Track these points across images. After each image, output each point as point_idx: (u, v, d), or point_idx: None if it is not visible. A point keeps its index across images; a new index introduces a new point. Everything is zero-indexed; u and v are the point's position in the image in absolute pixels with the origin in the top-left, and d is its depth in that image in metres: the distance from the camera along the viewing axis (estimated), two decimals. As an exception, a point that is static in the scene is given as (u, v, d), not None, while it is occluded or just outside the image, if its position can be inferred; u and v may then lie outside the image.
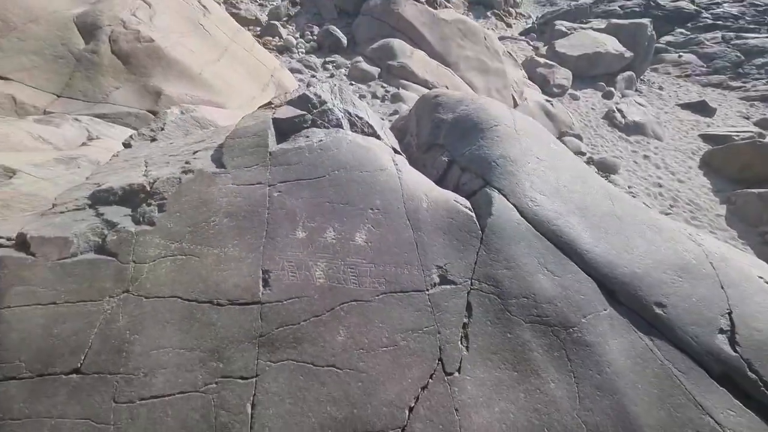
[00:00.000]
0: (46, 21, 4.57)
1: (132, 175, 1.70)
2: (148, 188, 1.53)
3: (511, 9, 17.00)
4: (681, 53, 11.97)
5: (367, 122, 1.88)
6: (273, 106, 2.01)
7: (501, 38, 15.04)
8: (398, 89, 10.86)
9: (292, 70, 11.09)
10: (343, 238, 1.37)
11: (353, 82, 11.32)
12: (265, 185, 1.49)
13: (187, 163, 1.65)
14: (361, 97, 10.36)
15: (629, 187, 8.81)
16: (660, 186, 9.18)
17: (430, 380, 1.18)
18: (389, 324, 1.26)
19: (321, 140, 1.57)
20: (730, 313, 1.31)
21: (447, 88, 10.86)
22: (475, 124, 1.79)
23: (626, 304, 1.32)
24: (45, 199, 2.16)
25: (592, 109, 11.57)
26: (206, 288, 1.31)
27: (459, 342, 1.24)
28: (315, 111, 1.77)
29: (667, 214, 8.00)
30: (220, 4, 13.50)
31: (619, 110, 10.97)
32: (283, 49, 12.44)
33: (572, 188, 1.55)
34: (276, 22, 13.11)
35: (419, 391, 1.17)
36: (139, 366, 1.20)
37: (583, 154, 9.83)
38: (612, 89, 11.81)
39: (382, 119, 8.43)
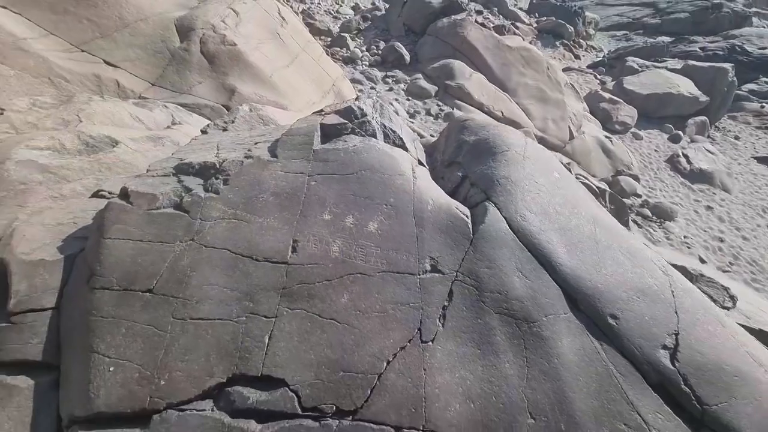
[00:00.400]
0: (153, 21, 5.45)
1: (207, 155, 2.19)
2: (218, 166, 2.00)
3: (582, 41, 16.83)
4: (764, 104, 11.28)
5: (399, 135, 2.26)
6: (323, 113, 2.45)
7: (566, 69, 14.96)
8: (453, 109, 11.21)
9: (354, 81, 11.86)
10: (359, 224, 1.75)
11: (410, 98, 11.86)
12: (305, 175, 1.91)
13: (249, 150, 2.12)
14: (416, 112, 10.83)
15: (685, 237, 8.43)
16: (721, 241, 8.67)
17: (408, 344, 1.50)
18: (383, 295, 1.60)
19: (355, 145, 1.97)
20: (677, 334, 1.49)
21: (502, 113, 11.06)
22: (489, 148, 2.10)
23: (585, 311, 1.55)
24: (137, 167, 2.75)
25: (655, 150, 11.18)
26: (249, 246, 1.73)
27: (437, 319, 1.55)
28: (356, 121, 2.18)
29: (725, 271, 7.57)
30: (297, 14, 14.76)
31: (685, 155, 10.52)
32: (349, 60, 13.24)
33: (560, 211, 1.81)
34: (346, 35, 14.00)
35: (397, 350, 1.49)
36: (193, 295, 1.63)
37: (638, 195, 9.55)
38: (680, 133, 11.36)
39: (432, 136, 8.84)
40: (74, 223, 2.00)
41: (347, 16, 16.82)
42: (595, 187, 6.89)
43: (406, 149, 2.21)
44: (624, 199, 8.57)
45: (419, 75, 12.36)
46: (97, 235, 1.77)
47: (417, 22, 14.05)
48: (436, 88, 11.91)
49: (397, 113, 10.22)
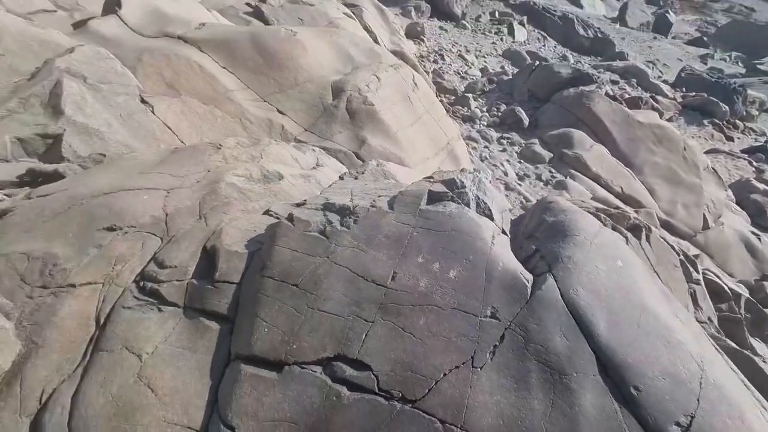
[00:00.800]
0: (316, 82, 7.07)
1: (344, 199, 3.11)
2: (352, 209, 2.88)
3: (738, 121, 15.28)
4: None
5: (489, 207, 2.90)
6: (432, 179, 3.22)
7: (712, 151, 13.70)
8: (566, 178, 11.21)
9: (469, 138, 12.73)
10: (442, 270, 2.40)
11: (522, 161, 12.24)
12: (410, 227, 2.66)
13: (374, 201, 2.97)
14: (525, 176, 11.14)
15: None
16: None
17: (462, 365, 2.07)
18: (450, 326, 2.20)
19: (451, 211, 2.67)
20: (692, 417, 1.73)
21: (621, 189, 10.72)
22: (563, 230, 2.59)
23: (612, 378, 1.90)
24: (293, 196, 3.84)
25: (819, 260, 9.51)
26: (363, 270, 2.51)
27: (488, 353, 2.08)
28: (456, 191, 2.89)
29: None
30: (428, 73, 16.37)
31: None
32: (468, 119, 14.20)
33: (611, 294, 2.19)
34: (469, 95, 15.06)
35: (453, 368, 2.07)
36: (322, 294, 2.45)
37: (784, 307, 8.25)
38: None
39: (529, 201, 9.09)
40: (254, 231, 3.06)
41: (474, 77, 18.04)
42: (727, 288, 6.31)
43: (492, 219, 2.83)
44: (766, 310, 7.53)
45: (535, 140, 12.67)
46: (270, 242, 2.75)
47: (542, 89, 14.50)
48: (551, 155, 12.07)
49: (505, 174, 10.84)
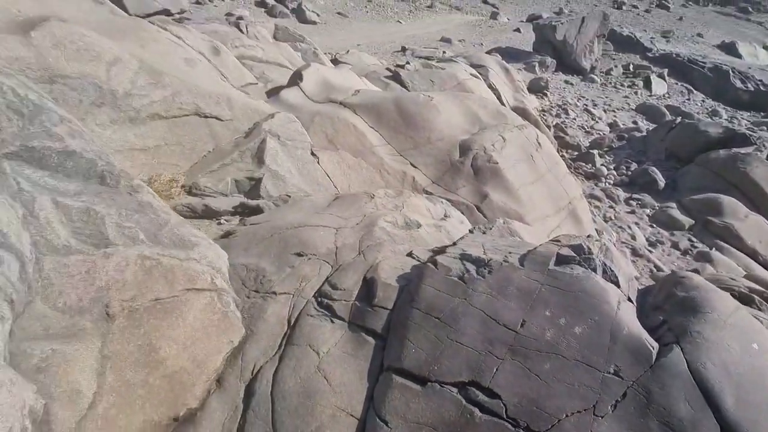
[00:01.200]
0: (446, 141, 7.94)
1: (478, 251, 3.70)
2: (486, 261, 3.45)
3: None
4: None
5: (615, 275, 3.20)
6: (560, 243, 3.63)
7: None
8: (710, 249, 10.25)
9: (592, 197, 12.38)
10: (568, 325, 2.80)
11: (654, 225, 11.47)
12: (539, 283, 3.12)
13: (505, 257, 3.50)
14: (658, 242, 10.41)
15: None
16: None
17: (584, 411, 2.41)
18: (574, 375, 2.57)
19: (578, 274, 3.06)
20: None
21: (784, 268, 9.29)
22: (695, 306, 2.77)
23: None
24: (428, 243, 4.57)
25: None
26: (495, 314, 3.03)
27: (609, 405, 2.39)
28: (583, 256, 3.27)
29: None
30: (550, 128, 16.39)
31: None
32: (591, 176, 13.77)
33: (742, 373, 2.29)
34: (594, 152, 14.58)
35: (575, 411, 2.42)
36: (459, 329, 3.03)
37: None
38: None
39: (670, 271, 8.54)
40: (401, 269, 3.82)
41: (601, 133, 17.41)
42: None
43: (618, 286, 3.12)
44: None
45: (672, 204, 11.81)
46: (418, 281, 3.46)
47: (684, 148, 13.51)
48: (692, 221, 11.15)
49: (633, 238, 10.44)
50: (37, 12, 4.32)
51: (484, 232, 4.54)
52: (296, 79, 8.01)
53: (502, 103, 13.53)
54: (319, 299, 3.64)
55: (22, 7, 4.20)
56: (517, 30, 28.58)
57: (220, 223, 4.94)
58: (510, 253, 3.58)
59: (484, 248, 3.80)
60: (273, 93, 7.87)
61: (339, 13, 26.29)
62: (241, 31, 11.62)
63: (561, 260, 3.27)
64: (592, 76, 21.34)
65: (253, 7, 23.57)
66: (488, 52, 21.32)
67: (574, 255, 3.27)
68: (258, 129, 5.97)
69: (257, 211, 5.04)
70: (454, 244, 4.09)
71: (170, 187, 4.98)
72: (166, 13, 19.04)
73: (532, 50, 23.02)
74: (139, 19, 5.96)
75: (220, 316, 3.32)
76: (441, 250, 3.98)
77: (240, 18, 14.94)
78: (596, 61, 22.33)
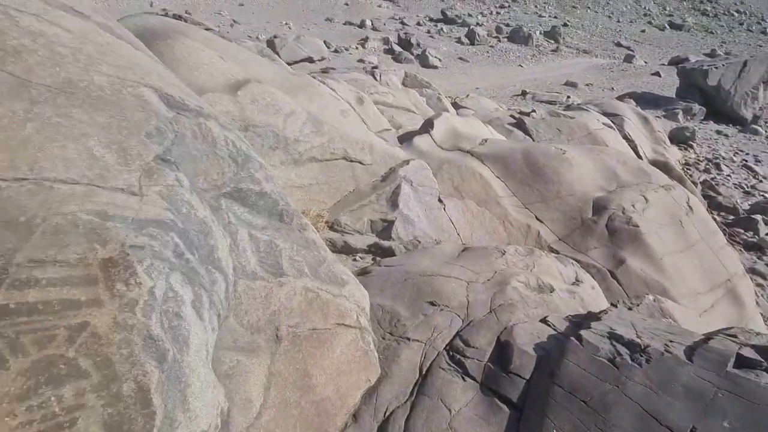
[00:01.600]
0: (577, 197, 7.57)
1: (628, 331, 3.43)
2: (642, 347, 3.18)
3: None
4: None
5: (821, 394, 2.67)
6: (737, 341, 3.18)
7: None
8: None
9: (754, 271, 10.61)
10: (757, 446, 2.42)
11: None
12: (714, 386, 2.76)
13: (666, 345, 3.18)
14: None
15: None
16: None
17: None
18: None
19: (766, 383, 2.64)
20: None
21: None
22: None
23: None
24: (562, 310, 4.38)
25: None
26: (656, 411, 2.76)
27: None
28: (774, 364, 2.81)
29: None
30: (696, 185, 14.53)
31: None
32: (753, 247, 11.92)
33: None
34: (758, 217, 12.60)
35: None
36: (612, 419, 2.82)
37: None
38: None
39: None
40: (537, 336, 3.71)
41: (765, 195, 14.98)
42: None
43: (826, 410, 2.60)
44: None
45: None
46: (560, 355, 3.33)
47: None
48: None
49: None
50: (242, 75, 5.38)
51: (630, 308, 4.18)
52: (427, 126, 8.51)
53: (639, 156, 12.43)
54: (451, 353, 3.72)
55: (233, 72, 5.26)
56: (656, 74, 26.25)
57: (355, 260, 5.40)
58: (670, 341, 3.24)
59: (636, 329, 3.50)
60: (404, 138, 8.47)
61: (460, 58, 27.31)
62: (375, 78, 12.86)
63: (743, 363, 2.87)
64: (755, 127, 18.41)
65: (382, 54, 25.86)
66: (620, 98, 19.91)
67: (761, 360, 2.84)
68: (394, 174, 6.46)
69: (389, 252, 5.40)
70: (598, 318, 3.84)
71: (317, 221, 5.64)
72: (310, 60, 21.96)
73: (674, 96, 20.86)
74: (307, 77, 7.04)
75: (362, 353, 3.60)
76: (581, 323, 3.77)
77: (375, 67, 16.50)
78: (761, 110, 19.26)
